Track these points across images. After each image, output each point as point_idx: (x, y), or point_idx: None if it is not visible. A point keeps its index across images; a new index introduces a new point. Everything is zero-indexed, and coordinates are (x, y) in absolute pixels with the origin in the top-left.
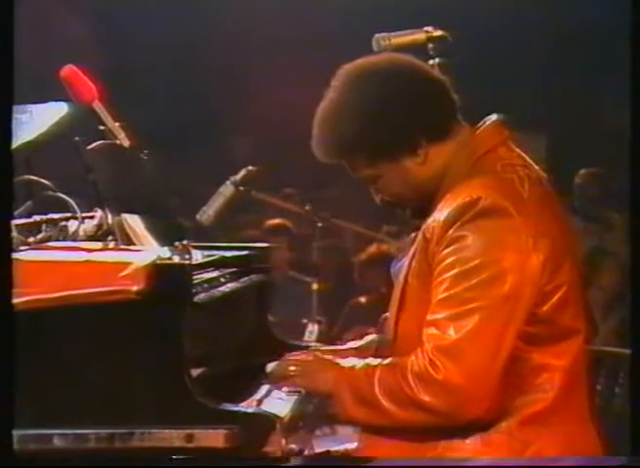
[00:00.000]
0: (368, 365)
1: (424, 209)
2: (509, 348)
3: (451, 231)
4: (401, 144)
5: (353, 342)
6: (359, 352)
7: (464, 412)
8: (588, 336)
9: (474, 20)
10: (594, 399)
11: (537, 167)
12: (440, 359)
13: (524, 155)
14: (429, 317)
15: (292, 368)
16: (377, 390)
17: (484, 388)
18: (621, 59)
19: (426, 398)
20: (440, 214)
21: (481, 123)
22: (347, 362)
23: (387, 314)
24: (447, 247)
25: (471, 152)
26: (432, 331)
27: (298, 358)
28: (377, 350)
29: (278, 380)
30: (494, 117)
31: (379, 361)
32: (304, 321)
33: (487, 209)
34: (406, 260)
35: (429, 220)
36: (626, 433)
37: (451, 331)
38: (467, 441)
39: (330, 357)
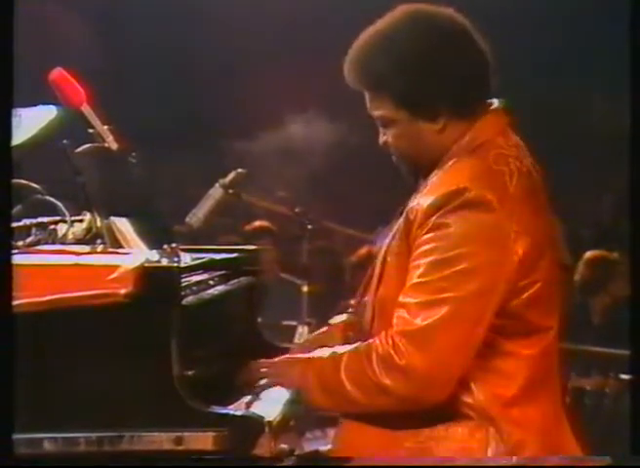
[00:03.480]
0: (335, 352)
1: (419, 173)
2: (478, 340)
3: (434, 217)
4: (425, 106)
5: (338, 317)
6: (344, 328)
7: (425, 398)
8: (561, 333)
9: (472, 19)
10: (570, 397)
11: (530, 158)
12: (404, 344)
13: (521, 144)
14: (401, 299)
15: (262, 369)
16: (342, 375)
17: (446, 376)
18: (621, 59)
19: (388, 381)
20: (425, 198)
21: (486, 112)
22: (317, 353)
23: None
24: (428, 232)
25: (471, 139)
26: (402, 313)
27: (266, 360)
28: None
29: (250, 384)
30: (496, 103)
31: (346, 347)
32: (294, 323)
33: (472, 200)
34: (387, 239)
35: (414, 203)
36: (616, 433)
37: (419, 318)
38: (450, 430)
39: (301, 355)
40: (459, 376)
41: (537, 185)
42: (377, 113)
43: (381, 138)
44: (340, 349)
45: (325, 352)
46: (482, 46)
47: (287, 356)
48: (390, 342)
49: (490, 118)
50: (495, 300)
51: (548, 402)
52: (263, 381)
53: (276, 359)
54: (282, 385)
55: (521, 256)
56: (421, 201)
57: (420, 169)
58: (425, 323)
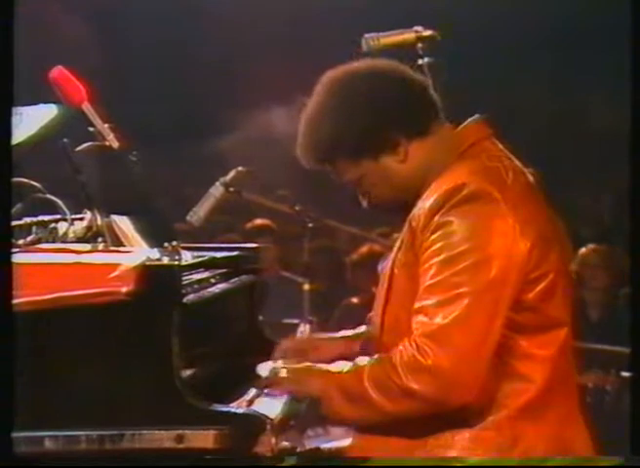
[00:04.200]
0: (356, 364)
1: (411, 208)
2: (497, 333)
3: (437, 217)
4: (380, 143)
5: (342, 332)
6: (347, 341)
7: (454, 398)
8: (574, 330)
9: (471, 20)
10: (584, 396)
11: (521, 165)
12: (428, 344)
13: (507, 152)
14: (417, 304)
15: (281, 374)
16: (366, 384)
17: (473, 373)
18: (622, 59)
19: (416, 386)
20: (425, 202)
21: (465, 122)
22: (336, 366)
23: (373, 312)
24: (433, 233)
25: (455, 146)
26: (420, 318)
27: (287, 364)
28: (364, 343)
29: (268, 386)
30: (477, 116)
31: (367, 359)
32: (296, 321)
33: (472, 194)
34: (392, 253)
35: (415, 210)
36: (618, 430)
37: (439, 317)
38: (456, 437)
39: (320, 365)
40: (483, 374)
41: (533, 184)
42: (344, 178)
43: (363, 203)
44: (362, 361)
45: (343, 365)
46: (405, 71)
47: (307, 364)
48: (414, 345)
49: (472, 126)
50: (509, 291)
51: (563, 405)
52: (281, 387)
53: (296, 365)
54: (299, 393)
55: (529, 246)
56: (422, 206)
57: (409, 201)
58: (446, 321)
